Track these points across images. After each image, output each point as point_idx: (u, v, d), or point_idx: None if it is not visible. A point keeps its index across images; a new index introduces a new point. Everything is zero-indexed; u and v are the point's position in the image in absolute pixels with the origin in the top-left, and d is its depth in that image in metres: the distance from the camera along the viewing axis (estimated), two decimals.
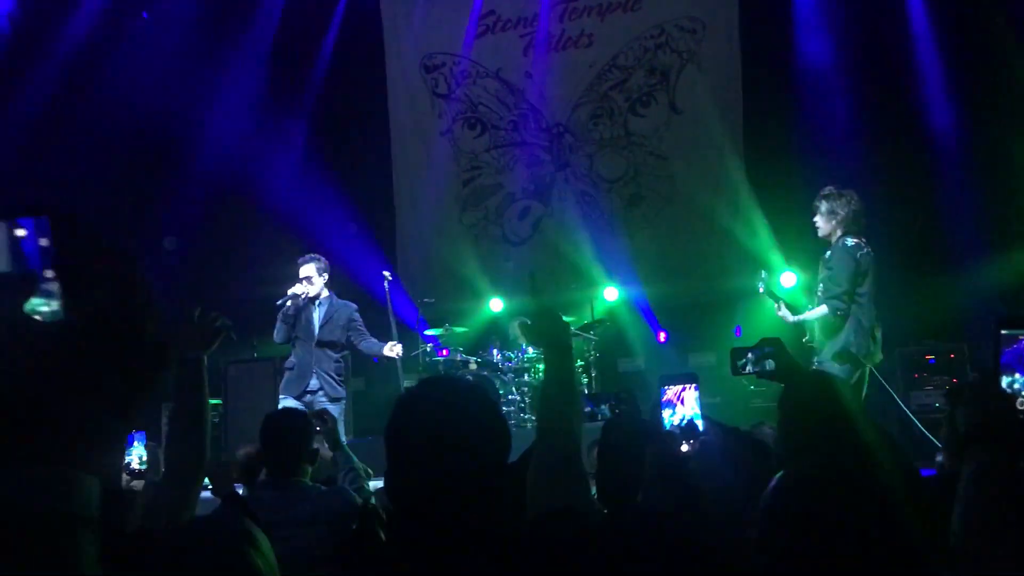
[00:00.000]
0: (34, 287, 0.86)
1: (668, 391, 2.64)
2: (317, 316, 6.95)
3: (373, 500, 3.83)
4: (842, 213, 5.71)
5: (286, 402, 6.67)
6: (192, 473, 2.53)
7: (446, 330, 8.65)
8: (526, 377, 8.77)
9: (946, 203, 8.36)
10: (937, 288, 7.87)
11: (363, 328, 7.12)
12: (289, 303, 6.82)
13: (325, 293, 6.98)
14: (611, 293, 9.41)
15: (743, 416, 7.77)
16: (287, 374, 6.94)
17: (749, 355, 2.76)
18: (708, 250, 9.35)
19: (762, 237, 8.94)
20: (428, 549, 1.69)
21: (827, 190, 5.84)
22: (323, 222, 9.70)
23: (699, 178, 9.48)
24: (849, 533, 2.23)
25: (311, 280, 6.88)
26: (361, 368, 9.42)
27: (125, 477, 3.46)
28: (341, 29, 10.00)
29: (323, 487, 3.82)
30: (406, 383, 8.39)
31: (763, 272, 6.41)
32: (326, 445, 4.17)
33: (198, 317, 2.50)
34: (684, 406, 2.59)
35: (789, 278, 8.90)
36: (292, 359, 6.94)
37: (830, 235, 5.78)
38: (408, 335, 8.47)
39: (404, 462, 1.75)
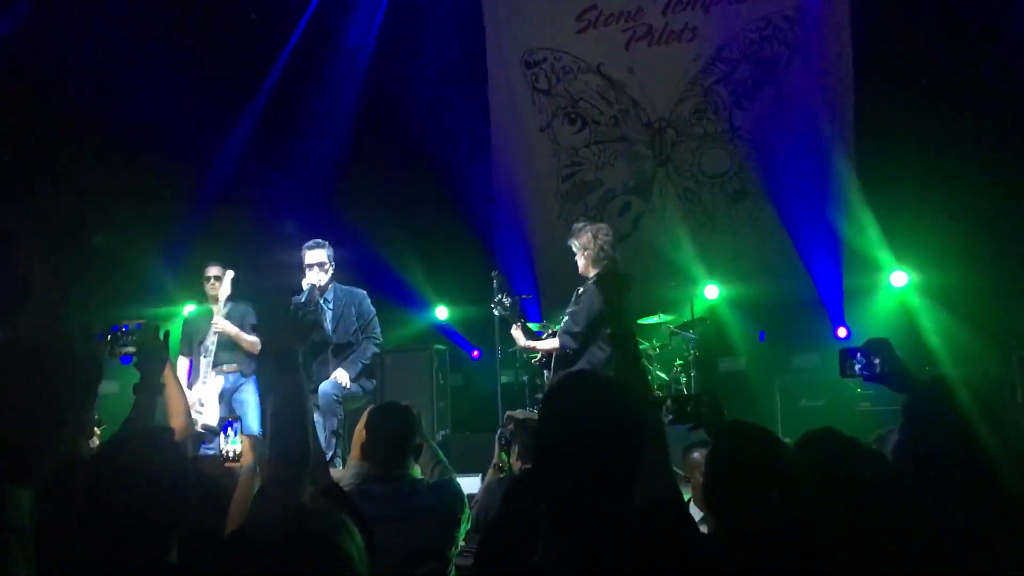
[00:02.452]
0: None
1: None
2: (328, 316, 6.36)
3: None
4: (591, 248, 5.67)
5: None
6: (298, 466, 2.55)
7: (544, 327, 8.62)
8: None
9: None
10: None
11: (376, 327, 6.43)
12: (305, 298, 6.20)
13: (330, 286, 6.38)
14: (711, 291, 9.24)
15: (848, 420, 7.53)
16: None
17: (858, 357, 2.66)
18: (812, 247, 9.08)
19: (870, 235, 8.64)
20: (570, 520, 1.82)
21: (575, 226, 5.90)
22: (421, 216, 9.81)
23: (806, 173, 9.22)
24: (962, 538, 2.15)
25: (324, 267, 6.29)
26: (459, 364, 9.49)
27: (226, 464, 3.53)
28: (444, 26, 10.06)
29: (429, 480, 3.83)
30: (504, 379, 8.39)
31: (501, 295, 6.35)
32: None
33: (291, 313, 2.54)
34: None
35: (900, 277, 8.60)
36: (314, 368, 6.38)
37: (587, 270, 5.77)
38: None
39: (553, 442, 1.92)
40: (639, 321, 9.14)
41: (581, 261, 5.77)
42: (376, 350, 6.52)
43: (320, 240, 6.40)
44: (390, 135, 9.97)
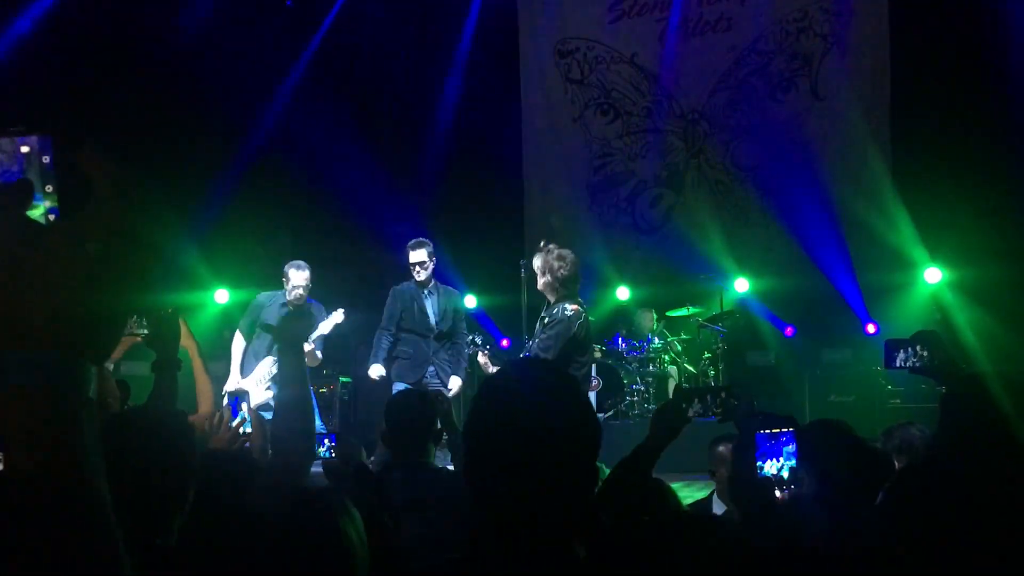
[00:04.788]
0: (31, 193, 0.96)
1: (765, 440, 2.49)
2: (431, 307, 6.75)
3: None
4: (549, 276, 5.62)
5: (400, 387, 6.52)
6: (300, 452, 2.59)
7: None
8: (651, 367, 8.66)
9: None
10: None
11: (465, 326, 6.90)
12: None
13: (432, 280, 6.76)
14: (742, 284, 9.18)
15: (879, 416, 7.48)
16: (400, 362, 6.72)
17: (906, 349, 2.63)
18: (845, 243, 9.00)
19: (904, 231, 8.57)
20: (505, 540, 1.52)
21: (544, 245, 5.79)
22: (452, 207, 9.80)
23: (839, 167, 9.15)
24: (989, 533, 2.12)
25: (425, 265, 6.65)
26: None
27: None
28: (479, 15, 10.03)
29: (451, 468, 3.83)
30: None
31: (475, 337, 6.54)
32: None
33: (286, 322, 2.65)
34: (782, 459, 2.44)
35: (934, 274, 8.51)
36: (406, 348, 6.72)
37: (545, 293, 5.77)
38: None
39: (483, 446, 1.57)
40: (668, 313, 9.14)
41: (539, 282, 5.91)
42: (468, 350, 6.92)
43: (423, 239, 6.74)
44: (421, 123, 9.96)
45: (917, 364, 2.62)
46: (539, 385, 1.57)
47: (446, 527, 3.45)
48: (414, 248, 6.70)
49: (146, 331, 3.13)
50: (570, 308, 5.72)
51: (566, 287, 5.76)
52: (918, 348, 2.61)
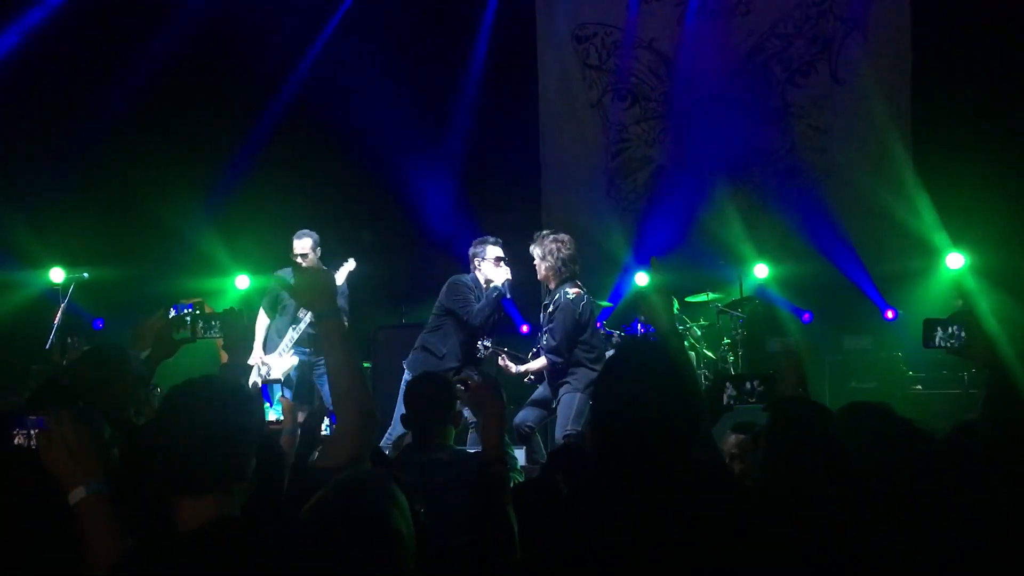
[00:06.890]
0: None
1: None
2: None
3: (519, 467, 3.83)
4: (551, 259, 5.79)
5: None
6: (357, 430, 2.58)
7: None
8: None
9: None
10: None
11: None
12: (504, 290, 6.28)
13: None
14: (761, 270, 9.13)
15: (900, 402, 7.42)
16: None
17: (944, 328, 2.62)
18: (865, 228, 8.96)
19: (925, 217, 8.51)
20: (624, 492, 1.87)
21: (537, 234, 5.94)
22: (471, 191, 9.78)
23: (859, 152, 9.09)
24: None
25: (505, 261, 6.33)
26: (507, 336, 9.46)
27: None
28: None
29: (469, 450, 3.85)
30: None
31: (484, 340, 6.42)
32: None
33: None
34: None
35: (956, 259, 8.45)
36: (447, 348, 6.37)
37: (548, 280, 5.90)
38: None
39: (609, 414, 1.94)
40: (687, 299, 9.11)
41: (541, 270, 5.94)
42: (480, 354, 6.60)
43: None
44: (438, 107, 9.93)
45: (955, 345, 2.61)
46: (654, 367, 1.92)
47: (459, 508, 3.46)
48: (498, 245, 6.42)
49: (219, 335, 3.16)
50: (571, 291, 5.80)
51: (567, 267, 5.83)
52: (956, 329, 2.60)
